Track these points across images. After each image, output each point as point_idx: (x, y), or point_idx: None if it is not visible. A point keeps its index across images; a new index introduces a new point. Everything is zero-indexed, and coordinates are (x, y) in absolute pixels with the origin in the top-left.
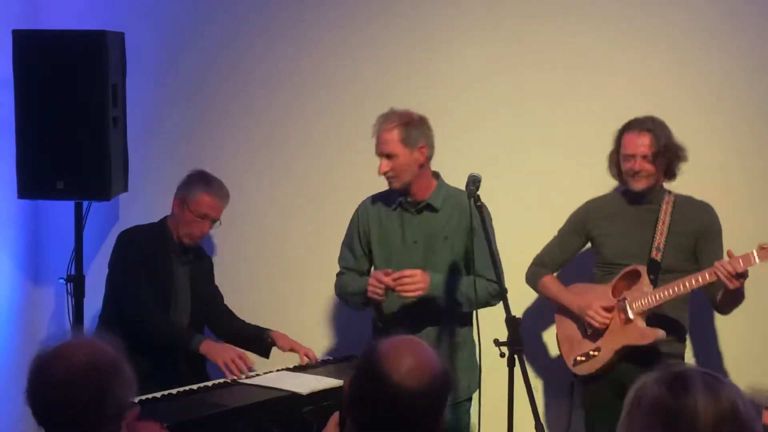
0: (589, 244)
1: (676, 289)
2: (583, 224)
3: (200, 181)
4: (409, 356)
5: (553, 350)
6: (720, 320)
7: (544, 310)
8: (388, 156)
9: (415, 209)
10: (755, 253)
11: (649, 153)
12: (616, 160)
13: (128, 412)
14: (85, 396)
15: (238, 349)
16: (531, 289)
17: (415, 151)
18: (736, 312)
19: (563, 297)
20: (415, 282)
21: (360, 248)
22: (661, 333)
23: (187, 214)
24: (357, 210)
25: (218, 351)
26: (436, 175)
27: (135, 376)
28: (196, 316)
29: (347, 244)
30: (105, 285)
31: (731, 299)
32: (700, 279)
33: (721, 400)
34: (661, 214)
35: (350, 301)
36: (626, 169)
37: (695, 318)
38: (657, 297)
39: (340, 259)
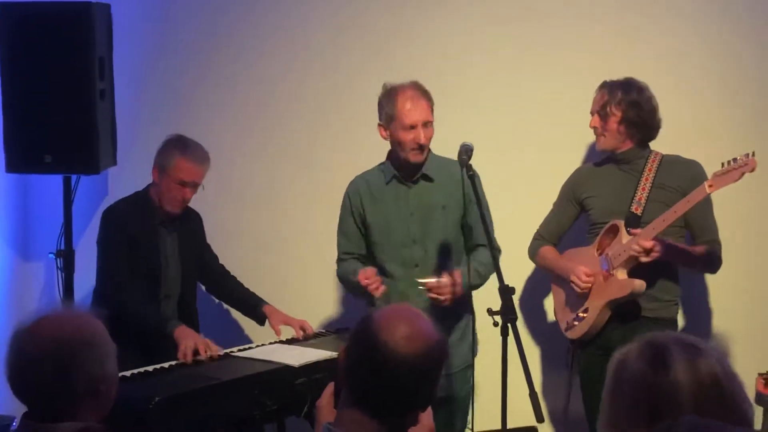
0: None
1: (643, 236)
2: (572, 191)
3: (177, 146)
4: (404, 324)
5: (552, 319)
6: (707, 276)
7: (542, 280)
8: (427, 124)
9: (410, 180)
10: (706, 185)
11: (597, 109)
12: None
13: (106, 386)
14: (49, 373)
15: (204, 339)
16: (527, 261)
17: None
18: (726, 268)
19: (556, 264)
20: (450, 292)
21: (355, 229)
22: (638, 283)
23: (166, 182)
24: (347, 192)
25: (184, 337)
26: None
27: (114, 350)
28: (186, 286)
29: (341, 230)
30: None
31: (686, 266)
32: (663, 220)
33: (701, 370)
34: (645, 171)
35: (354, 293)
36: None
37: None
38: (629, 247)
39: (338, 246)
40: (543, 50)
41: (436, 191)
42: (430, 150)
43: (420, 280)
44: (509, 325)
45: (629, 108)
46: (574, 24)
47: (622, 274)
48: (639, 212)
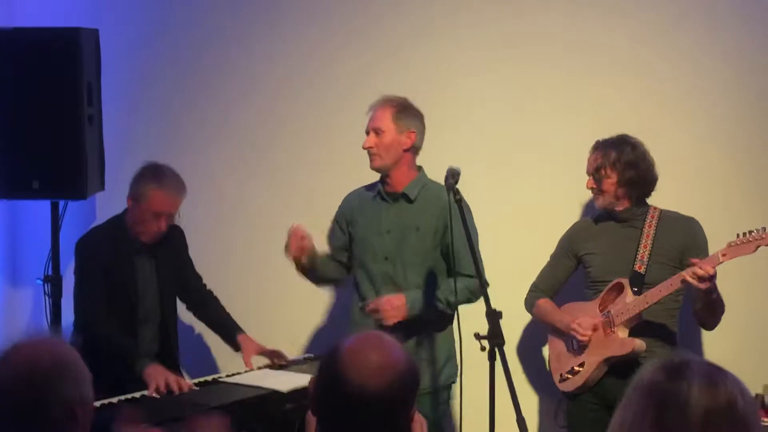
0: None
1: (653, 297)
2: (570, 246)
3: (151, 176)
4: (373, 355)
5: (543, 347)
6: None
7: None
8: (376, 131)
9: (391, 199)
10: (719, 253)
11: (592, 171)
12: None
13: (83, 410)
14: (24, 403)
15: (174, 377)
16: (517, 284)
17: (403, 134)
18: (725, 322)
19: (553, 317)
20: (392, 309)
21: (339, 235)
22: (639, 343)
23: (140, 212)
24: (342, 202)
25: (154, 376)
26: (419, 168)
27: (89, 375)
28: (167, 311)
29: (327, 235)
30: None
31: (709, 307)
32: (670, 285)
33: (718, 391)
34: (645, 228)
35: (307, 276)
36: None
37: (685, 328)
38: (633, 306)
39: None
40: (537, 70)
41: (413, 213)
42: (420, 170)
43: (360, 304)
44: (497, 349)
45: (626, 169)
46: (571, 45)
47: (623, 333)
48: (642, 270)
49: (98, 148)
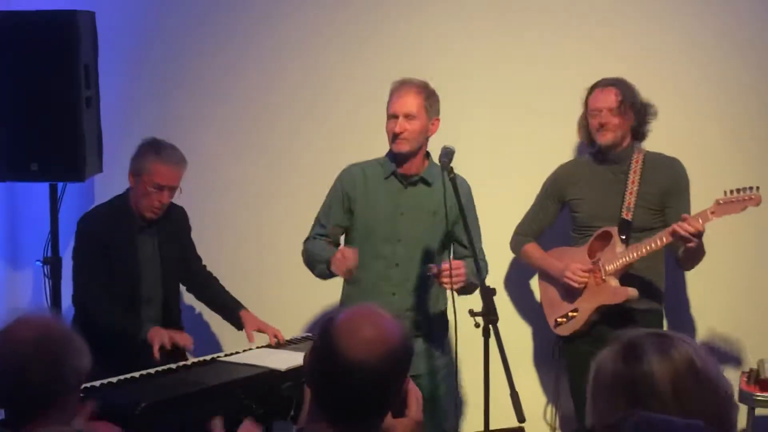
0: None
1: (643, 250)
2: (555, 190)
3: (150, 150)
4: (366, 329)
5: (535, 319)
6: (692, 277)
7: (525, 280)
8: (407, 116)
9: (408, 182)
10: (708, 211)
11: (614, 106)
12: (585, 124)
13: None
14: (44, 370)
15: (178, 334)
16: (511, 257)
17: (430, 121)
18: (719, 300)
19: (544, 262)
20: (460, 274)
21: (340, 213)
22: (632, 291)
23: (142, 187)
24: (340, 178)
25: (156, 335)
26: (428, 154)
27: (86, 346)
28: (169, 290)
29: (324, 212)
30: None
31: (692, 256)
32: (659, 241)
33: (675, 359)
34: (630, 173)
35: (316, 269)
36: (593, 124)
37: (669, 275)
38: (625, 259)
39: (313, 226)
40: (530, 46)
41: (431, 196)
42: (430, 159)
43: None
44: (491, 326)
45: (640, 111)
46: (565, 20)
47: (614, 282)
48: (629, 218)
49: (96, 131)
